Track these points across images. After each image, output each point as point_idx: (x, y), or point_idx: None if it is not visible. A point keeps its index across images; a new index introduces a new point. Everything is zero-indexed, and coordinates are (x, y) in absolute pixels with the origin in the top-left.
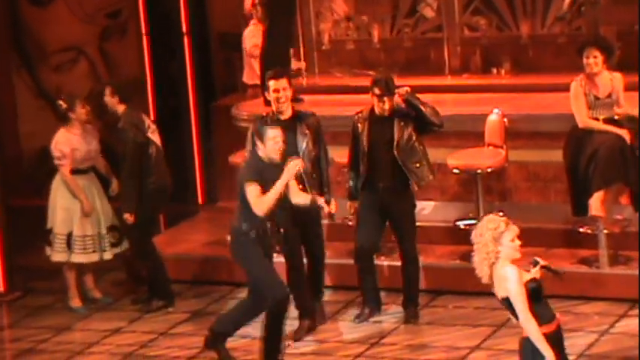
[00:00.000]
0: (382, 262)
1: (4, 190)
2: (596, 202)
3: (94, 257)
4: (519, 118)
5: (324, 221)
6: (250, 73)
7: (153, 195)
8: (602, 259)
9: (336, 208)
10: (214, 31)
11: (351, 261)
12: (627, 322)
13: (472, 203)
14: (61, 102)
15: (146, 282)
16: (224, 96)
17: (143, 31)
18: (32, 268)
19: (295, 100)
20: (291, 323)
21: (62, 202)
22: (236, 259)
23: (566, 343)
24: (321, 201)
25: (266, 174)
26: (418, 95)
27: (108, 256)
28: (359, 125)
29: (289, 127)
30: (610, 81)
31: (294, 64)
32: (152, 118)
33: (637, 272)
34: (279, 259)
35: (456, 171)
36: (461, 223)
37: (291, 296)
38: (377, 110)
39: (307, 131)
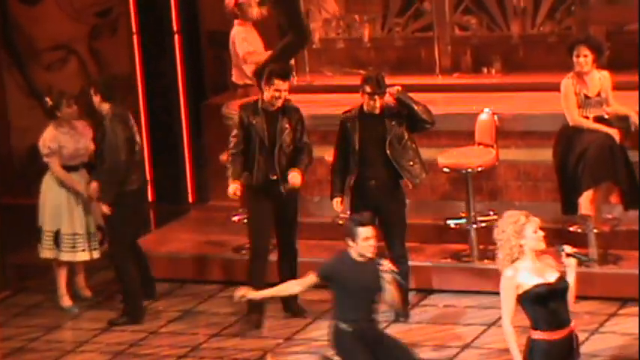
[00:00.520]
0: None
1: None
2: (585, 201)
3: (84, 256)
4: (510, 118)
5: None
6: (239, 74)
7: (135, 193)
8: (592, 257)
9: (302, 181)
10: (205, 30)
11: None
12: (617, 321)
13: (462, 202)
14: (47, 99)
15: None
16: (215, 95)
17: (133, 29)
18: (23, 266)
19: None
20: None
21: (51, 199)
22: None
23: None
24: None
25: (348, 272)
26: (409, 94)
27: (97, 254)
28: (349, 124)
29: (274, 117)
30: (599, 80)
31: None
32: (142, 116)
33: (626, 271)
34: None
35: (446, 170)
36: (451, 222)
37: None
38: (366, 108)
39: (287, 125)
